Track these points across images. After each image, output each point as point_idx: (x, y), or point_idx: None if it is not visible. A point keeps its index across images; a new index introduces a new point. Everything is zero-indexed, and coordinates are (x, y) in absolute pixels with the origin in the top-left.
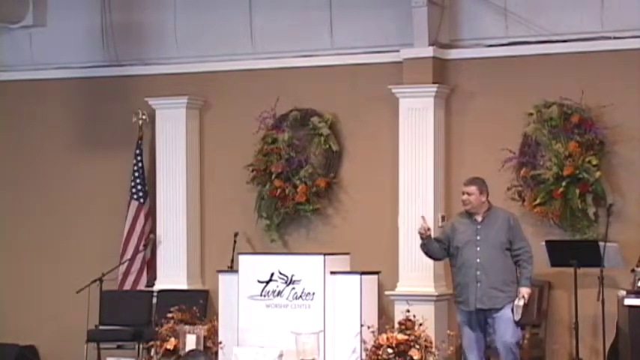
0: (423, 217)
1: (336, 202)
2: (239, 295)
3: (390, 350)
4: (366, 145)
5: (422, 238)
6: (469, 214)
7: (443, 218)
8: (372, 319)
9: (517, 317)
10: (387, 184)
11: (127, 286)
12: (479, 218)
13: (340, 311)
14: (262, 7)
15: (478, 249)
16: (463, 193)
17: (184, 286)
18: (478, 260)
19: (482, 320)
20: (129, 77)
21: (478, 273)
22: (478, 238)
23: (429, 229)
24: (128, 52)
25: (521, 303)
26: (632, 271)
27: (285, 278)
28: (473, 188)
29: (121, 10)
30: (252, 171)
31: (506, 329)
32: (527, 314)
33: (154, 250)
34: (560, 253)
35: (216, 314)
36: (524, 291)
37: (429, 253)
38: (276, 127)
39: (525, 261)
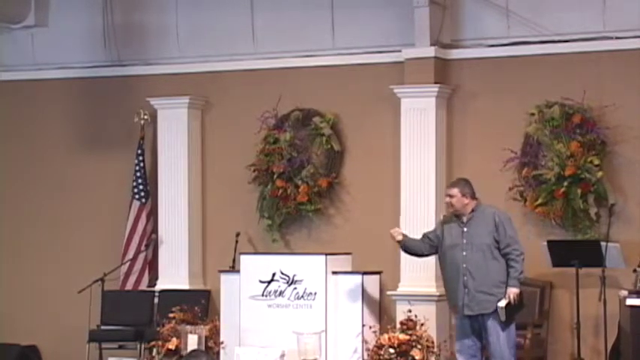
0: (395, 231)
1: (337, 202)
2: (241, 295)
3: (391, 350)
4: (368, 145)
5: (397, 242)
6: (457, 215)
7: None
8: (374, 319)
9: (502, 318)
10: (389, 184)
11: (129, 286)
12: (465, 219)
13: (342, 311)
14: (264, 7)
15: (464, 253)
16: (446, 196)
17: (186, 286)
18: (464, 265)
19: (476, 326)
20: (130, 77)
21: (465, 278)
22: (464, 241)
23: (400, 234)
24: (130, 52)
25: (502, 304)
26: (634, 271)
27: (287, 278)
28: (454, 190)
29: (123, 10)
30: (254, 171)
31: (498, 337)
32: (527, 314)
33: (156, 250)
34: (561, 254)
35: (218, 314)
36: (510, 291)
37: (408, 251)
38: (278, 127)
39: (513, 260)
